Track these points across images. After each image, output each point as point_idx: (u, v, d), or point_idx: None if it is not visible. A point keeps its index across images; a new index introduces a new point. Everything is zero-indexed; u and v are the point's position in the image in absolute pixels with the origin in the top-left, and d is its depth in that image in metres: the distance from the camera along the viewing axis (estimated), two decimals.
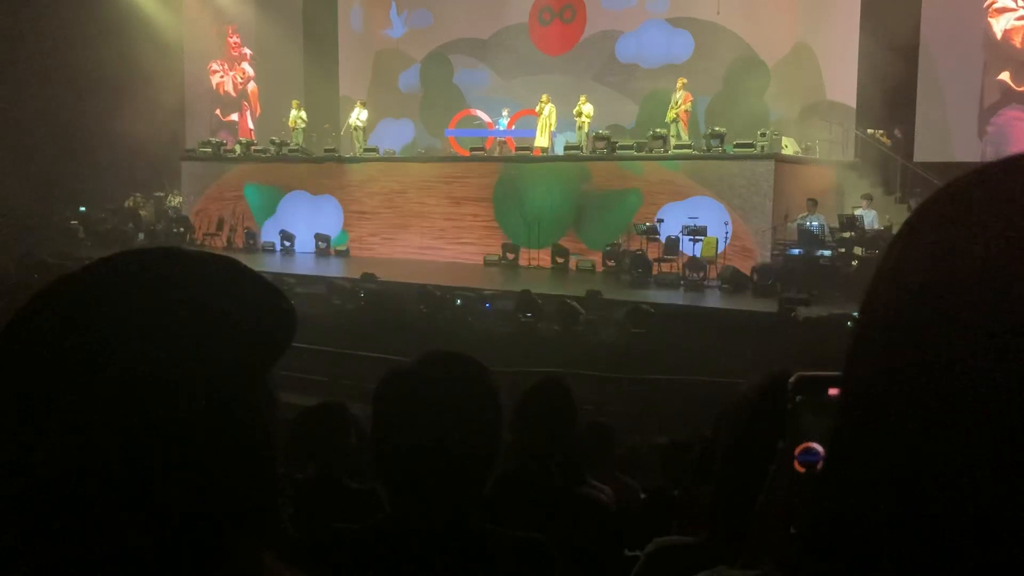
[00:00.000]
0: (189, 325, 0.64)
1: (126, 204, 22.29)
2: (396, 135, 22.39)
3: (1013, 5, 15.34)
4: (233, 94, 25.06)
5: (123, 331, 0.62)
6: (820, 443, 0.68)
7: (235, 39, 24.70)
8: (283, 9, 23.48)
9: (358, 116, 19.72)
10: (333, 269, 16.49)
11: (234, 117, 25.06)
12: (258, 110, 24.69)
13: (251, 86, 24.77)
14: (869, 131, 16.54)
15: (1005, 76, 15.52)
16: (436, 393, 1.42)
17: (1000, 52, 15.51)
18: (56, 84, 20.76)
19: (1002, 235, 0.47)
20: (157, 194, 22.57)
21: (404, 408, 1.43)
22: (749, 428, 1.29)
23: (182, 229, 20.32)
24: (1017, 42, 15.32)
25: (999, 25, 15.40)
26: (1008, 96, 15.58)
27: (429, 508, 1.41)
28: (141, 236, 20.18)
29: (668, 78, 17.82)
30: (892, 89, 15.85)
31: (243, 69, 24.81)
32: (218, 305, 0.66)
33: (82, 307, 0.64)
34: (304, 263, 17.55)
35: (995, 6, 15.44)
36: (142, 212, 22.04)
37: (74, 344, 0.62)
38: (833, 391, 0.66)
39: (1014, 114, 15.54)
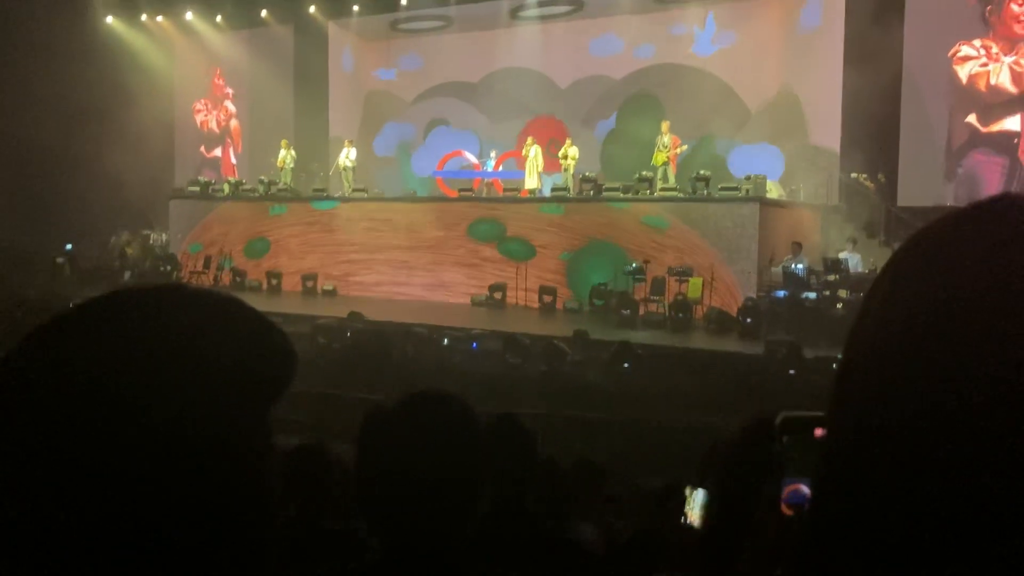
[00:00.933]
0: (189, 363, 0.63)
1: (113, 241, 22.23)
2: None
3: (975, 53, 16.04)
4: (216, 131, 25.41)
5: (122, 369, 0.62)
6: (807, 484, 0.68)
7: (220, 80, 25.11)
8: (274, 50, 23.73)
9: (347, 155, 19.79)
10: (319, 308, 16.41)
11: (217, 153, 25.35)
12: (240, 147, 24.94)
13: (233, 123, 25.14)
14: (853, 175, 16.74)
15: (972, 119, 16.10)
16: (421, 433, 1.42)
17: (966, 96, 16.13)
18: (43, 120, 20.77)
19: (981, 277, 0.48)
20: (144, 232, 22.53)
21: (388, 448, 1.42)
22: (735, 469, 1.28)
23: (169, 267, 20.25)
24: (981, 86, 15.99)
25: (964, 71, 16.13)
26: (975, 138, 16.13)
27: (413, 550, 1.40)
28: (128, 274, 20.07)
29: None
30: (875, 134, 16.12)
31: (225, 107, 25.25)
32: (219, 343, 0.65)
33: (79, 345, 0.63)
34: (290, 302, 17.48)
35: (959, 55, 16.16)
36: (129, 250, 21.95)
37: (70, 383, 0.61)
38: (819, 431, 0.66)
39: (981, 157, 16.09)
